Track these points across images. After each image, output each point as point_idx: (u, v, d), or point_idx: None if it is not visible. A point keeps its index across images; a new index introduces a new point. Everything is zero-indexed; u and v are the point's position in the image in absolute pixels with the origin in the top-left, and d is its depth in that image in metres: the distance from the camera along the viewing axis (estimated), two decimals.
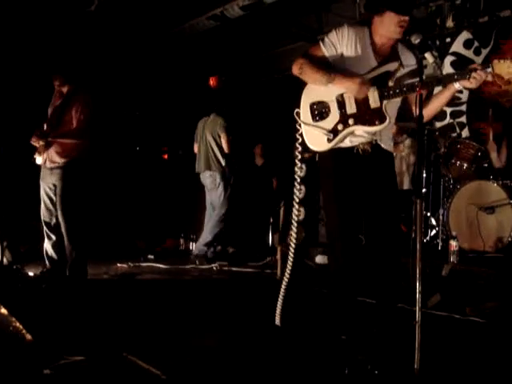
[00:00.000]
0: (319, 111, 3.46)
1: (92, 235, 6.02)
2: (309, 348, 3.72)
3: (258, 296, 5.25)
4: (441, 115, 7.18)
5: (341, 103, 3.40)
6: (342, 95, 3.40)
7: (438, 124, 7.26)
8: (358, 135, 3.42)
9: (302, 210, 6.52)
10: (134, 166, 9.24)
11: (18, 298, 4.66)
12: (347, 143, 3.44)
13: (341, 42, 3.43)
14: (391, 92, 3.32)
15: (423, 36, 3.28)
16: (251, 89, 9.49)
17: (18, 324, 3.49)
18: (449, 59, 7.35)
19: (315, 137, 3.49)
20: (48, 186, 5.41)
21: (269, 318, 3.94)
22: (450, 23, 7.26)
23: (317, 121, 3.46)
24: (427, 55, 3.31)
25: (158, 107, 9.73)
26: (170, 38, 8.58)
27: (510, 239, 5.65)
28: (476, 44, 7.14)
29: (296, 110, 3.53)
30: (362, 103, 3.36)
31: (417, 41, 3.27)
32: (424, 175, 6.23)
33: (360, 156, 3.44)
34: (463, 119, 7.18)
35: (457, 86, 3.34)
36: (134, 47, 8.54)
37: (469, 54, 7.20)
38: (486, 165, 6.13)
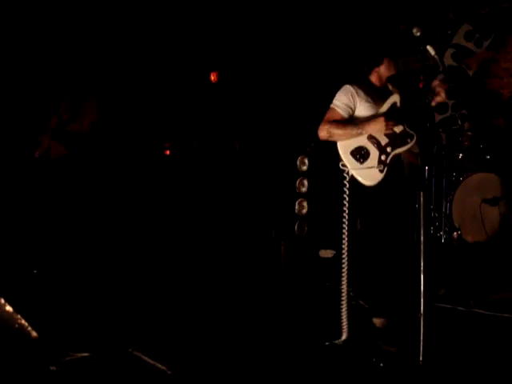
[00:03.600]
0: (360, 154, 4.02)
1: None
2: (313, 343, 3.73)
3: (261, 290, 5.26)
4: (442, 108, 7.17)
5: (374, 140, 3.99)
6: (371, 134, 4.00)
7: (440, 116, 7.25)
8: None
9: (304, 204, 6.55)
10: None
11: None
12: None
13: (352, 100, 4.07)
14: (405, 114, 3.96)
15: (424, 29, 3.35)
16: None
17: (23, 321, 3.50)
18: (450, 51, 7.34)
19: (368, 174, 4.02)
20: None
21: (274, 313, 3.95)
22: (450, 15, 7.25)
23: (362, 163, 4.01)
24: (428, 48, 3.41)
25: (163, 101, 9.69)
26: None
27: None
28: (477, 36, 7.12)
29: (340, 163, 4.07)
30: (390, 134, 3.98)
31: (418, 34, 3.39)
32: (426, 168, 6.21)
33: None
34: (465, 111, 7.17)
35: (432, 103, 3.92)
36: (135, 41, 8.52)
37: (470, 45, 7.18)
38: (488, 157, 6.12)
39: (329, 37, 7.69)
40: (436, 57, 3.61)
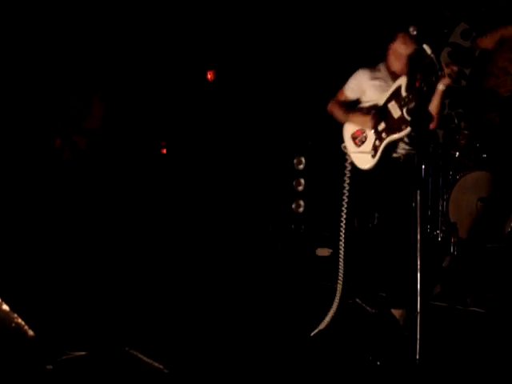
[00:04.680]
0: (360, 138, 4.14)
1: None
2: (311, 342, 3.73)
3: (258, 288, 5.26)
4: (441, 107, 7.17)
5: (373, 125, 4.04)
6: (372, 118, 4.02)
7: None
8: (400, 149, 4.07)
9: (301, 202, 6.55)
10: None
11: None
12: (393, 155, 4.08)
13: (360, 83, 4.15)
14: (406, 100, 3.85)
15: (420, 28, 3.37)
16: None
17: (19, 320, 3.50)
18: (446, 50, 7.34)
19: (362, 159, 4.13)
20: None
21: (270, 310, 3.95)
22: (447, 14, 7.25)
23: (359, 146, 4.14)
24: (425, 46, 3.43)
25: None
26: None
27: (509, 229, 5.66)
28: (474, 34, 7.13)
29: (342, 144, 4.25)
30: (388, 117, 3.99)
31: (414, 33, 3.41)
32: (423, 166, 6.22)
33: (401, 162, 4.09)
34: (462, 110, 7.17)
35: (440, 87, 3.83)
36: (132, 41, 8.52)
37: (467, 44, 7.18)
38: (484, 155, 6.13)
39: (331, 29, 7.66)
40: (432, 56, 3.61)
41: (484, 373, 3.16)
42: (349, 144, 4.23)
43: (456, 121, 6.75)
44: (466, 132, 6.31)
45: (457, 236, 5.61)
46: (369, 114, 4.04)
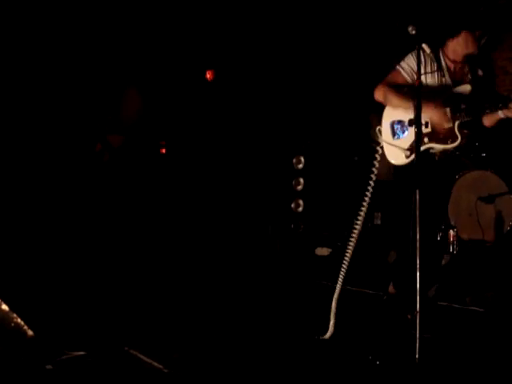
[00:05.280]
0: (399, 129, 3.84)
1: None
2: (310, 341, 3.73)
3: (257, 287, 5.27)
4: None
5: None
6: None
7: None
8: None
9: (300, 202, 6.55)
10: None
11: None
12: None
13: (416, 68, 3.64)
14: (463, 113, 3.65)
15: (419, 27, 3.34)
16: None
17: (19, 320, 3.49)
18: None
19: (394, 152, 3.82)
20: None
21: (269, 310, 3.94)
22: (446, 13, 7.24)
23: (396, 139, 3.84)
24: (424, 46, 3.41)
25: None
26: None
27: (509, 228, 5.66)
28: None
29: (378, 127, 3.87)
30: (437, 123, 3.70)
31: (413, 32, 3.36)
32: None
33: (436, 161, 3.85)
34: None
35: (501, 114, 3.67)
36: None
37: None
38: (484, 154, 6.13)
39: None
40: (432, 55, 3.61)
41: (483, 372, 3.17)
42: (385, 131, 3.90)
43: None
44: (465, 131, 6.30)
45: (456, 235, 5.62)
46: (441, 107, 3.66)
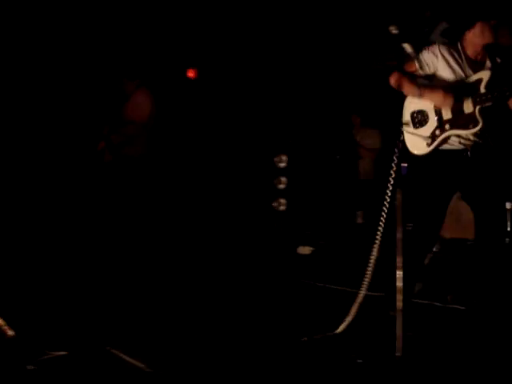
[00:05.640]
0: (419, 119, 3.84)
1: None
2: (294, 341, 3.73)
3: (241, 286, 5.26)
4: None
5: (438, 111, 3.78)
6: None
7: None
8: (465, 138, 3.77)
9: (283, 201, 6.54)
10: None
11: None
12: (457, 145, 3.80)
13: (434, 60, 3.83)
14: (483, 98, 3.63)
15: (401, 27, 3.36)
16: None
17: None
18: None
19: (415, 142, 3.85)
20: None
21: (252, 309, 3.94)
22: (427, 13, 7.29)
23: (417, 128, 3.85)
24: (406, 45, 3.44)
25: None
26: None
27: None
28: (454, 34, 7.17)
29: (404, 119, 3.90)
30: (457, 109, 3.71)
31: (395, 31, 3.38)
32: (405, 165, 6.24)
33: (468, 157, 3.82)
34: None
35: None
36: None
37: (448, 43, 7.22)
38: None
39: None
40: (413, 55, 3.64)
41: (463, 369, 3.19)
42: (407, 121, 3.92)
43: None
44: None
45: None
46: (450, 93, 3.70)
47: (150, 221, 6.42)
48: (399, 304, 3.13)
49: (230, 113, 8.83)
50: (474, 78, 3.74)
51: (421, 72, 3.84)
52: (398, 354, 3.04)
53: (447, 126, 3.74)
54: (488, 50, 3.86)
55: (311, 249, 6.81)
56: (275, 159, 7.26)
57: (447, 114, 3.75)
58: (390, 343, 3.10)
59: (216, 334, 3.87)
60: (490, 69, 3.76)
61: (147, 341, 3.65)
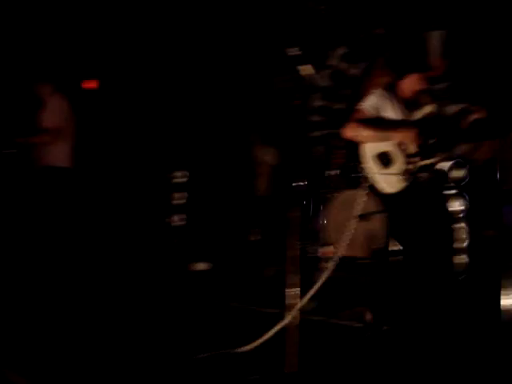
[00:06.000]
0: (386, 160, 4.00)
1: None
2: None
3: (133, 299, 5.18)
4: (319, 125, 7.37)
5: (403, 147, 3.96)
6: (400, 141, 3.96)
7: (316, 134, 7.44)
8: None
9: (180, 216, 6.48)
10: None
11: None
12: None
13: (380, 103, 4.04)
14: (437, 131, 3.91)
15: (301, 48, 3.43)
16: None
17: None
18: (327, 72, 7.55)
19: (390, 181, 4.02)
20: None
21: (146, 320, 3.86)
22: (328, 37, 7.47)
23: (387, 168, 3.99)
24: (306, 67, 3.49)
25: None
26: None
27: (382, 246, 5.87)
28: (353, 58, 7.39)
29: (363, 165, 4.11)
30: (421, 141, 3.91)
31: (295, 53, 3.44)
32: (301, 183, 6.35)
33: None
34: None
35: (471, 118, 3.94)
36: None
37: (347, 67, 7.43)
38: (360, 174, 6.35)
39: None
40: (313, 76, 3.72)
41: None
42: (372, 164, 4.10)
43: (334, 140, 6.96)
44: (343, 151, 6.52)
45: (333, 252, 5.77)
46: (414, 128, 3.91)
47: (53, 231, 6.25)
48: (295, 321, 3.17)
49: (130, 128, 8.71)
50: (422, 112, 4.03)
51: (374, 116, 4.02)
52: (291, 370, 3.07)
53: (416, 159, 3.93)
54: (423, 93, 4.13)
55: (207, 265, 6.80)
56: (174, 174, 7.22)
57: (412, 148, 3.94)
58: (284, 359, 3.13)
59: (108, 351, 3.79)
60: (432, 103, 4.04)
61: (39, 359, 3.52)
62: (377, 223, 5.99)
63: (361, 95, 6.99)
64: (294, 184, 3.76)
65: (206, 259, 6.95)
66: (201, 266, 6.80)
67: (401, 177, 3.96)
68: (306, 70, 3.56)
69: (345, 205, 6.11)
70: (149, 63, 8.38)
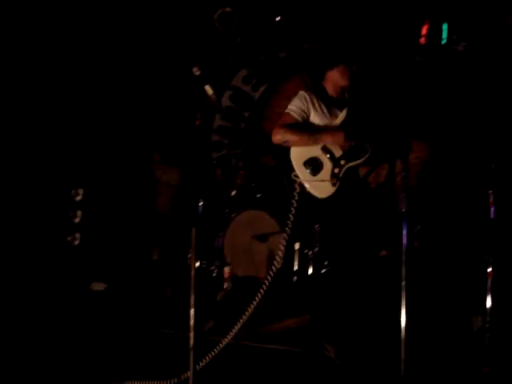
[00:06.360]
0: (314, 166, 4.02)
1: None
2: None
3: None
4: (218, 146, 7.43)
5: (328, 151, 4.03)
6: (325, 145, 4.03)
7: (215, 154, 7.49)
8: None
9: (77, 235, 6.36)
10: None
11: None
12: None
13: (306, 105, 4.12)
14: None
15: (203, 68, 3.46)
16: None
17: None
18: (228, 93, 7.63)
19: (320, 187, 4.01)
20: None
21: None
22: (230, 58, 7.56)
23: (315, 174, 4.01)
24: (207, 87, 3.53)
25: None
26: None
27: (279, 266, 5.95)
28: (254, 80, 7.51)
29: (293, 173, 4.05)
30: (342, 145, 4.02)
31: (197, 73, 3.47)
32: (201, 203, 6.36)
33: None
34: (239, 151, 7.47)
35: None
36: None
37: (247, 89, 7.53)
38: (259, 195, 6.44)
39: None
40: (213, 97, 3.74)
41: None
42: (301, 172, 4.07)
43: (234, 161, 7.03)
44: (242, 172, 6.59)
45: (230, 272, 5.80)
46: (340, 131, 4.01)
47: None
48: (191, 341, 3.15)
49: (23, 142, 8.45)
50: (342, 116, 4.09)
51: (300, 121, 4.10)
52: None
53: (343, 162, 4.01)
54: (346, 91, 4.25)
55: (105, 285, 6.66)
56: (71, 192, 7.05)
57: (338, 152, 4.03)
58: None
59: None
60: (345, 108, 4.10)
61: None
62: (276, 244, 6.07)
63: (263, 116, 7.15)
64: (194, 204, 3.74)
65: (102, 279, 6.82)
66: (97, 286, 6.65)
67: (330, 181, 4.03)
68: (207, 90, 3.58)
69: (244, 225, 6.17)
70: (39, 75, 8.17)
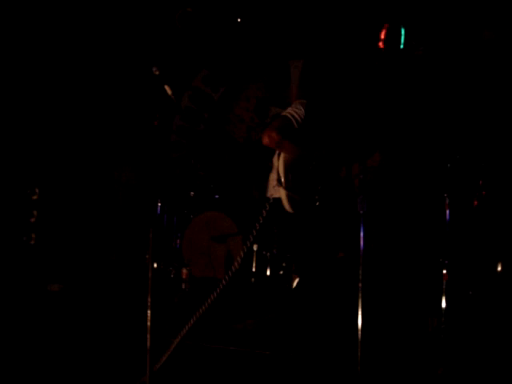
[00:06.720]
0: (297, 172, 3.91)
1: None
2: None
3: None
4: (178, 146, 7.40)
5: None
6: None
7: (175, 155, 7.46)
8: None
9: (32, 235, 6.29)
10: None
11: None
12: None
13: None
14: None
15: (163, 68, 3.44)
16: None
17: None
18: (188, 93, 7.62)
19: (295, 202, 3.91)
20: None
21: None
22: (191, 59, 7.54)
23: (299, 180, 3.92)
24: (166, 88, 3.51)
25: None
26: None
27: (237, 267, 5.96)
28: (214, 81, 7.51)
29: (278, 179, 3.85)
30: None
31: (157, 73, 3.45)
32: (159, 205, 6.34)
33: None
34: (198, 152, 7.47)
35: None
36: None
37: (208, 90, 7.53)
38: (217, 196, 6.45)
39: None
40: (172, 97, 3.73)
41: None
42: (286, 180, 3.87)
43: (193, 162, 7.02)
44: (201, 173, 6.59)
45: (189, 273, 5.79)
46: None
47: None
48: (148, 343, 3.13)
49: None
50: None
51: (297, 126, 3.94)
52: None
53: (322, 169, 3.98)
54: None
55: (60, 286, 6.59)
56: (28, 191, 6.95)
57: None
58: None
59: None
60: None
61: None
62: (233, 245, 6.09)
63: (223, 118, 7.15)
64: (152, 204, 3.72)
65: (59, 280, 6.74)
66: (53, 287, 6.57)
67: (311, 187, 4.01)
68: (166, 90, 3.57)
69: (203, 226, 6.17)
70: None
